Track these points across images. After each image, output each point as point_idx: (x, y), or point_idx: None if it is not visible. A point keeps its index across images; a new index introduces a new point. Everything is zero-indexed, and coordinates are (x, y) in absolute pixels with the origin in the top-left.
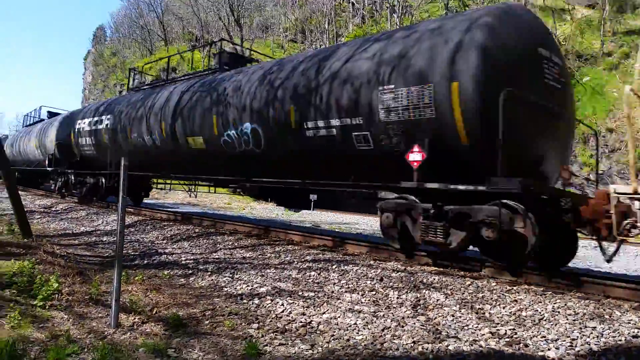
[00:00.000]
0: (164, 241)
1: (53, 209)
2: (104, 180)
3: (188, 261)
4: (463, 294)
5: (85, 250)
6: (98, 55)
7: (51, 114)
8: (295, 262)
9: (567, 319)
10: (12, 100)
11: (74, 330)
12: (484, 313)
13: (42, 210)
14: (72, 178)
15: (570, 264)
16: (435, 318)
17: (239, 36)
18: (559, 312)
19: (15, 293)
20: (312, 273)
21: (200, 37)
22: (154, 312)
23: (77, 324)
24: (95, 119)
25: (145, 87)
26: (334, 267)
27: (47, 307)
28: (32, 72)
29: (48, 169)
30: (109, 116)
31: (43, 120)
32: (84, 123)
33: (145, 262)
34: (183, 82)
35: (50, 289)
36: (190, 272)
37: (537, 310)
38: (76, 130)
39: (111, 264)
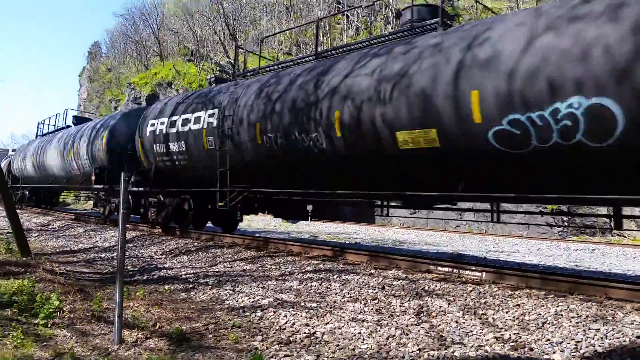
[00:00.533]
0: (163, 256)
1: (50, 226)
2: (192, 202)
3: (188, 275)
4: (465, 300)
5: (85, 267)
6: (93, 72)
7: (79, 119)
8: (296, 273)
9: (571, 322)
10: (5, 119)
11: (77, 348)
12: (487, 318)
13: (39, 228)
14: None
15: (568, 266)
16: (439, 325)
17: (233, 49)
18: (562, 315)
19: (17, 312)
20: (314, 283)
21: (195, 52)
22: (157, 327)
23: (80, 341)
24: (186, 116)
25: (274, 67)
26: (335, 276)
27: (49, 326)
28: (24, 90)
29: (95, 186)
30: (212, 111)
31: (69, 127)
32: (163, 123)
33: (145, 277)
34: (357, 53)
35: (51, 307)
36: (190, 286)
37: (540, 314)
38: (147, 133)
39: (111, 280)
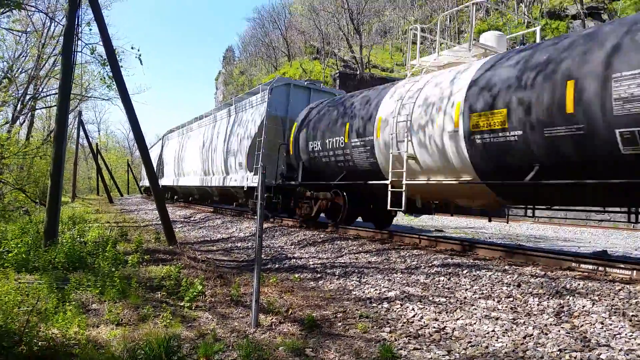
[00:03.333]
0: (292, 246)
1: (192, 218)
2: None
3: (316, 265)
4: (612, 299)
5: (223, 256)
6: (228, 75)
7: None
8: (423, 267)
9: None
10: (151, 122)
11: (218, 330)
12: (638, 321)
13: (182, 220)
14: None
15: None
16: (582, 325)
17: (357, 44)
18: None
19: (165, 295)
20: (442, 278)
21: (321, 49)
22: (289, 313)
23: (221, 324)
24: None
25: None
26: (464, 272)
27: (193, 308)
28: (166, 95)
29: None
30: None
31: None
32: None
33: (277, 266)
34: None
35: (195, 291)
36: (318, 275)
37: None
38: None
39: (247, 268)
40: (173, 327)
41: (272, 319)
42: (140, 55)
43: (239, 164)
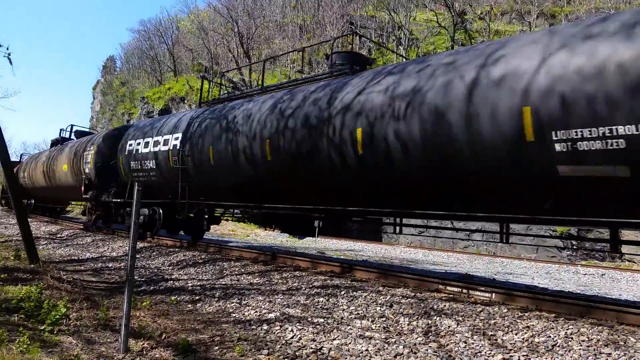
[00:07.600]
0: (170, 267)
1: (58, 235)
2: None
3: (195, 287)
4: (475, 320)
5: (92, 276)
6: (107, 85)
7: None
8: (304, 288)
9: (581, 345)
10: (19, 128)
11: (83, 355)
12: (496, 339)
13: (47, 236)
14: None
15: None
16: (448, 345)
17: (247, 67)
18: (572, 338)
19: (23, 318)
20: (321, 299)
21: (209, 68)
22: (162, 338)
23: (86, 349)
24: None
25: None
26: (342, 293)
27: (55, 332)
28: (39, 101)
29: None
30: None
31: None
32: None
33: (152, 288)
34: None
35: (58, 314)
36: (197, 297)
37: (550, 337)
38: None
39: (118, 290)
40: (31, 352)
41: (143, 344)
42: (9, 54)
43: None
